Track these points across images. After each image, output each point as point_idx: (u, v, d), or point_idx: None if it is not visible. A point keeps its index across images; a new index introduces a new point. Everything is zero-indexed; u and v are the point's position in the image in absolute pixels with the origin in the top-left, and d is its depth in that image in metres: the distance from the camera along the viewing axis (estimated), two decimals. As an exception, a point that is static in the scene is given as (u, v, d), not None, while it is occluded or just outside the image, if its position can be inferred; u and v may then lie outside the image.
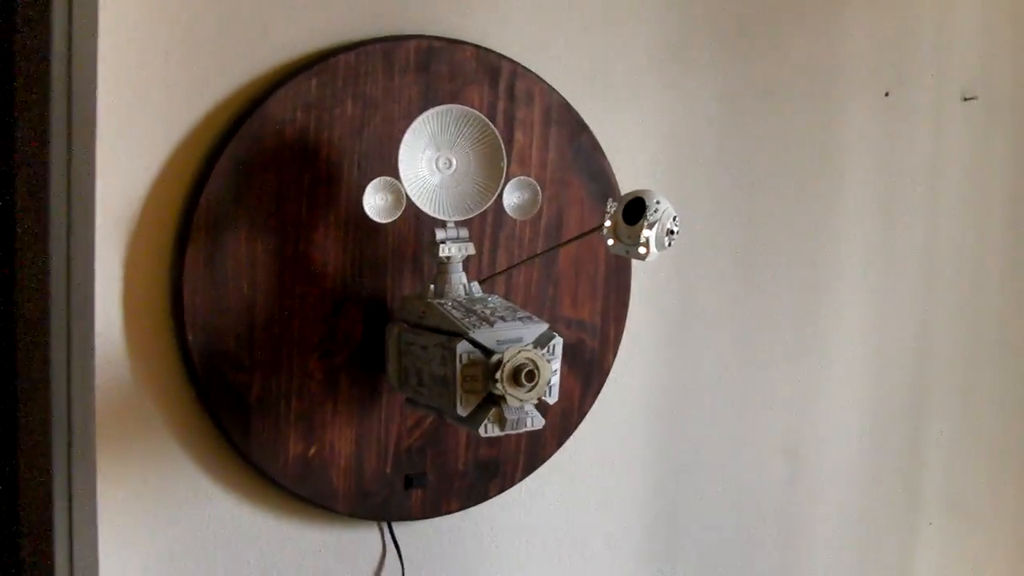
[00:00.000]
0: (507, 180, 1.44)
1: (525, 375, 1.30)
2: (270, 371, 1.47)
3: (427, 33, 1.54)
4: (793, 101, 1.85)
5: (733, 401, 1.84)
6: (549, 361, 1.33)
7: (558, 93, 1.60)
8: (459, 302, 1.41)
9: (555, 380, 1.35)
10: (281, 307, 1.47)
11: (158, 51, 1.41)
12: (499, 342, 1.32)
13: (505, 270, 1.57)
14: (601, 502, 1.76)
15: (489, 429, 1.33)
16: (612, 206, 1.41)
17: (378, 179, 1.38)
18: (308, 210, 1.46)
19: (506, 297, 1.58)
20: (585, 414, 1.67)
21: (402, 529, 1.60)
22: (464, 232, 1.44)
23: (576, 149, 1.61)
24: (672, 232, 1.41)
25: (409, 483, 1.57)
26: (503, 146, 1.41)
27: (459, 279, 1.44)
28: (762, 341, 1.86)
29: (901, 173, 1.99)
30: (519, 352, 1.30)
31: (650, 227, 1.39)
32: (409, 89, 1.51)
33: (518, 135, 1.58)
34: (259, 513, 1.53)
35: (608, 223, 1.41)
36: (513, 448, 1.62)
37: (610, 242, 1.41)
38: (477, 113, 1.41)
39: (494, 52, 1.56)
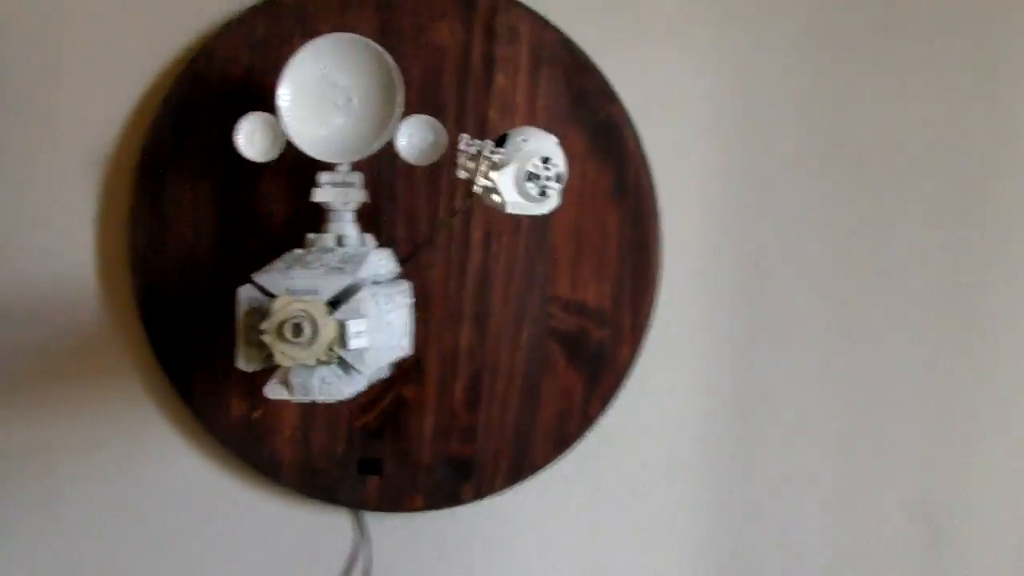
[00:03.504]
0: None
1: (292, 329, 1.11)
2: (212, 324, 1.40)
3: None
4: (929, 37, 1.35)
5: (826, 437, 1.37)
6: (344, 321, 1.11)
7: (553, 27, 1.34)
8: (314, 252, 1.24)
9: (360, 343, 1.12)
10: (224, 256, 1.40)
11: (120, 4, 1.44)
12: (289, 291, 1.14)
13: (417, 248, 1.36)
14: (611, 541, 1.42)
15: (274, 390, 1.16)
16: (472, 145, 1.16)
17: (251, 114, 1.27)
18: (253, 155, 1.38)
19: (482, 272, 1.35)
20: (592, 420, 1.36)
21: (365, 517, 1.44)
22: (354, 177, 1.26)
23: (575, 95, 1.34)
24: (536, 177, 1.12)
25: (364, 468, 1.40)
26: (399, 79, 1.22)
27: (338, 228, 1.27)
28: (876, 359, 1.36)
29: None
30: (293, 302, 1.12)
31: (494, 167, 1.13)
32: (365, 26, 1.36)
33: (499, 78, 1.35)
34: (220, 474, 1.46)
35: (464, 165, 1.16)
36: (492, 448, 1.37)
37: (475, 188, 1.17)
38: (369, 41, 1.23)
39: (469, -19, 1.35)
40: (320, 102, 1.26)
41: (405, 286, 1.30)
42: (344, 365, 1.14)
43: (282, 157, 1.26)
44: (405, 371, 1.37)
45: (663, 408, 1.38)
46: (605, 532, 1.40)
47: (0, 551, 1.50)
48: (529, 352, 1.36)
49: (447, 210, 1.35)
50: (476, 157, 1.13)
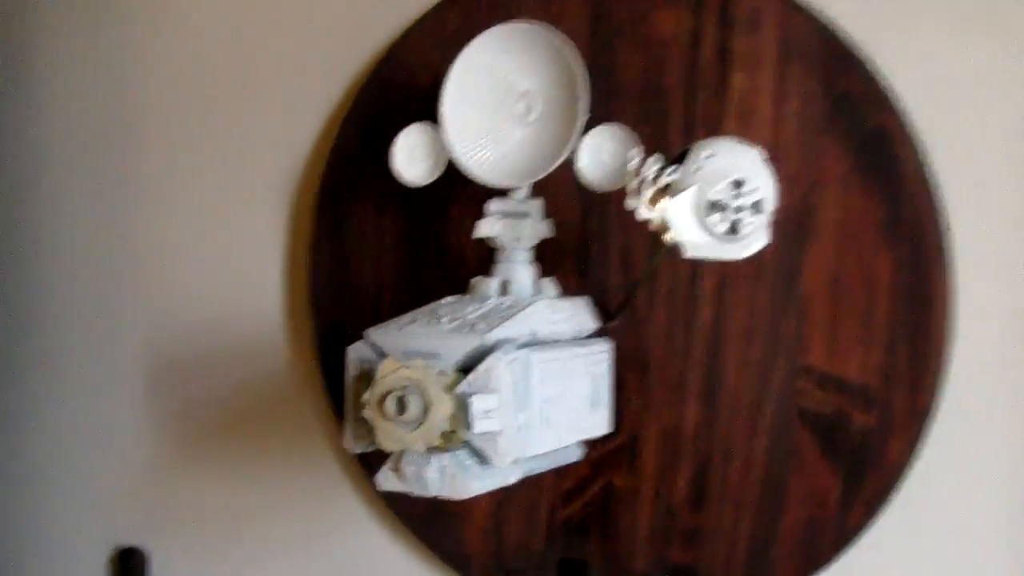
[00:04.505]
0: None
1: (395, 403, 0.85)
2: (395, 379, 1.17)
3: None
4: None
5: None
6: (469, 395, 0.84)
7: (808, 10, 1.01)
8: (463, 301, 0.98)
9: (491, 427, 0.85)
10: (411, 297, 1.16)
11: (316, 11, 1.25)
12: (404, 352, 0.89)
13: (625, 299, 1.05)
14: None
15: (385, 479, 0.90)
16: (646, 164, 0.86)
17: (411, 127, 1.02)
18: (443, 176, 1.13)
19: (714, 331, 1.04)
20: (854, 533, 1.01)
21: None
22: (529, 207, 0.99)
23: (836, 98, 0.99)
24: (723, 207, 0.81)
25: (564, 571, 1.12)
26: (583, 77, 0.94)
27: (504, 271, 0.99)
28: None
29: None
30: (399, 368, 0.86)
31: (666, 192, 0.82)
32: (574, 16, 1.09)
33: (737, 78, 1.03)
34: (406, 559, 1.23)
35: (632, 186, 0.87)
36: (720, 560, 1.05)
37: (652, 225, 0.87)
38: (550, 29, 0.96)
39: (699, -45, 1.04)
40: (494, 112, 1.00)
41: (600, 347, 1.01)
42: (475, 451, 0.87)
43: (474, 184, 1.00)
44: (616, 453, 1.08)
45: (952, 523, 1.00)
46: None
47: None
48: (771, 438, 1.03)
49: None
50: (644, 181, 0.83)
